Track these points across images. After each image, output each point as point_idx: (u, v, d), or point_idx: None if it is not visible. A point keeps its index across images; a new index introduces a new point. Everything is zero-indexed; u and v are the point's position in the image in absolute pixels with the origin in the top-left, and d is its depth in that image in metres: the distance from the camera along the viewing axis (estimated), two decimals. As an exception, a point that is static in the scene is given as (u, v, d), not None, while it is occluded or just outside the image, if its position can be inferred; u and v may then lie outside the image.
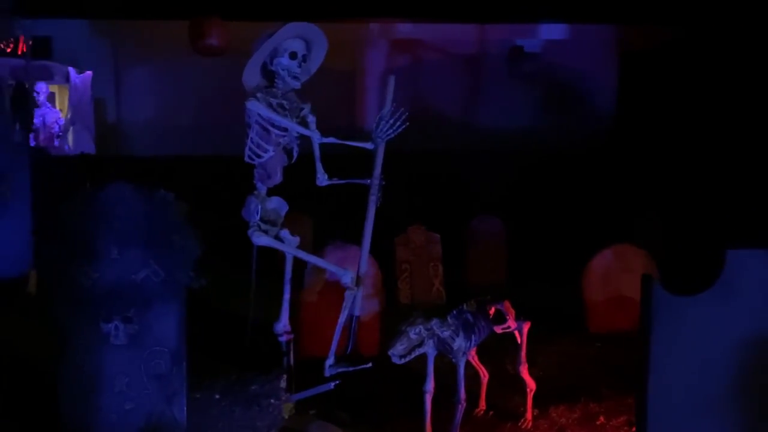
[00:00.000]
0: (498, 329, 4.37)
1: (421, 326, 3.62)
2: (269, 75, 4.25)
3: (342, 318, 4.33)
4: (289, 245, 4.44)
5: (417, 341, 3.60)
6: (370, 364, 4.21)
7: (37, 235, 5.17)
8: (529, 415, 4.43)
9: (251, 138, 4.24)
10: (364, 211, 10.03)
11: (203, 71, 12.26)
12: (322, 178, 4.51)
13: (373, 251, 8.12)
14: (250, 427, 3.82)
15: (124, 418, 3.73)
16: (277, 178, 4.35)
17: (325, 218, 9.52)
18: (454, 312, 3.96)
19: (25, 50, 12.14)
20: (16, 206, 9.44)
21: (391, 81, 4.44)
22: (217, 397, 3.89)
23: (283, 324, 4.46)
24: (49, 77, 13.03)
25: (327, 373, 4.22)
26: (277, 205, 4.42)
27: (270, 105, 4.14)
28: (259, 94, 4.15)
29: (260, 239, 4.15)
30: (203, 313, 4.97)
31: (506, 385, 4.94)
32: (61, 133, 12.30)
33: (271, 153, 4.24)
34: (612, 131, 11.65)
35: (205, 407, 3.85)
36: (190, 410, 3.80)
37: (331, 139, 4.29)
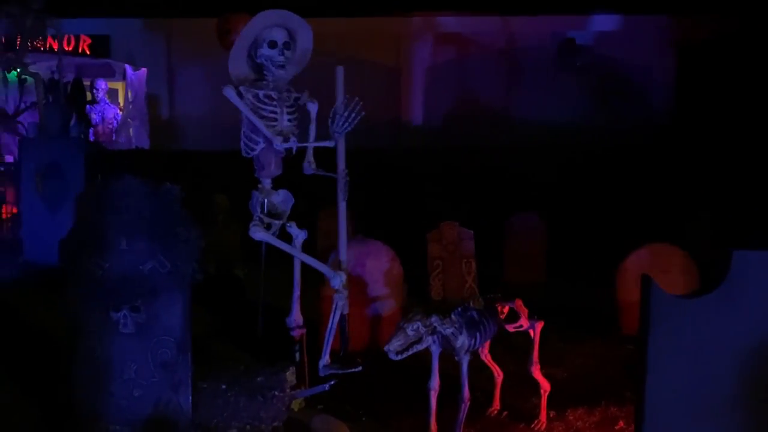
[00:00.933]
0: (510, 328, 4.27)
1: (419, 323, 3.56)
2: (258, 67, 4.29)
3: (333, 319, 4.31)
4: (296, 239, 4.47)
5: (414, 338, 3.55)
6: (360, 368, 4.19)
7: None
8: (543, 417, 4.31)
9: (243, 131, 4.29)
10: (404, 204, 10.04)
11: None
12: (308, 167, 4.49)
13: (405, 246, 8.17)
14: (254, 418, 3.86)
15: (133, 404, 3.84)
16: (272, 169, 4.37)
17: (365, 210, 9.56)
18: (459, 309, 3.88)
19: (85, 48, 12.70)
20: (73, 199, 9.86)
21: (340, 73, 4.38)
22: (224, 387, 3.95)
23: (294, 318, 4.50)
24: (110, 74, 13.57)
25: (321, 373, 4.24)
26: (284, 198, 4.46)
27: (256, 96, 4.18)
28: (241, 87, 4.19)
29: (257, 234, 4.18)
30: (224, 304, 5.06)
31: (525, 384, 4.83)
32: (118, 129, 12.78)
33: (262, 145, 4.26)
34: (663, 126, 11.20)
35: (211, 397, 3.92)
36: (196, 399, 3.88)
37: (293, 143, 4.28)
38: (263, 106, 4.19)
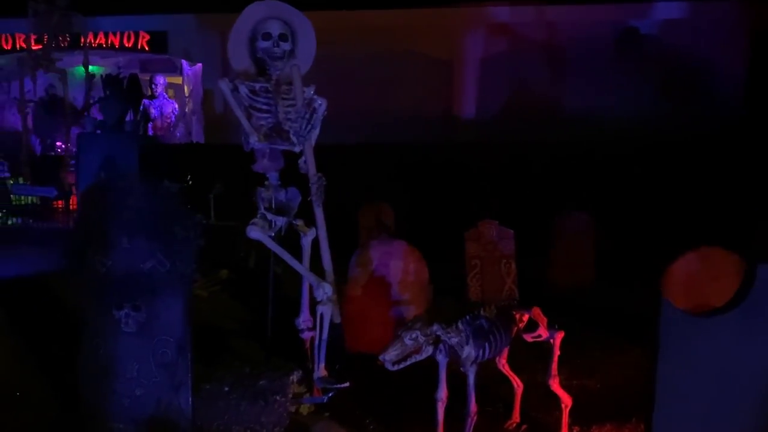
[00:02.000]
0: (528, 338, 4.01)
1: (417, 332, 3.35)
2: (261, 61, 4.19)
3: (321, 334, 4.13)
4: (304, 237, 4.35)
5: (413, 347, 3.35)
6: (348, 384, 4.02)
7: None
8: (563, 432, 4.04)
9: (243, 124, 4.20)
10: (449, 200, 9.78)
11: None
12: (303, 165, 4.32)
13: (447, 244, 7.95)
14: (255, 423, 3.77)
15: (135, 403, 3.83)
16: (266, 162, 4.24)
17: (406, 208, 9.39)
18: (468, 317, 3.66)
19: (144, 44, 13.03)
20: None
21: (296, 71, 4.12)
22: (227, 389, 3.88)
23: (303, 319, 4.38)
24: (172, 70, 13.90)
25: (316, 385, 4.11)
26: (291, 195, 4.34)
27: (252, 89, 4.08)
28: (236, 80, 4.10)
29: (253, 233, 4.07)
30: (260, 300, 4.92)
31: (551, 397, 4.55)
32: (175, 123, 13.06)
33: (256, 138, 4.15)
34: (732, 121, 10.46)
35: (213, 399, 3.85)
36: (198, 401, 3.82)
37: (264, 145, 4.13)
38: (258, 99, 4.10)
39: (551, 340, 3.98)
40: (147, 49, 13.17)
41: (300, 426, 3.89)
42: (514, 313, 3.97)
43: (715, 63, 11.23)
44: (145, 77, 13.74)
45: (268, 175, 4.31)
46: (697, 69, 11.21)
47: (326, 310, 4.11)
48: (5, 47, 13.56)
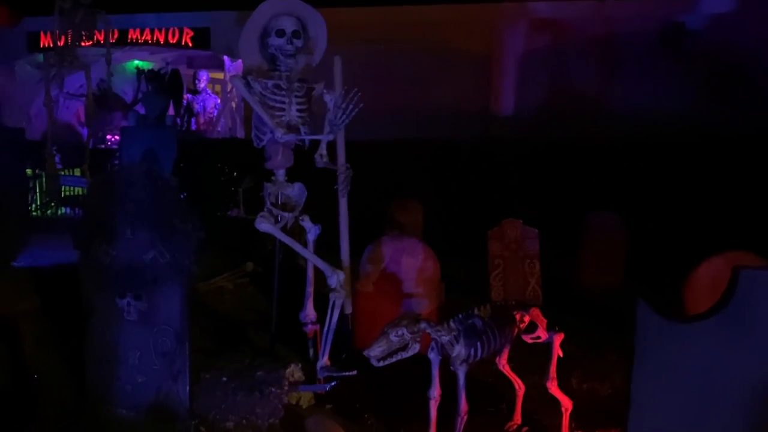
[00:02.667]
0: (528, 339, 3.94)
1: (404, 329, 3.33)
2: (272, 57, 4.21)
3: (330, 320, 4.15)
4: (308, 233, 4.38)
5: (398, 344, 3.32)
6: (355, 372, 4.01)
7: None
8: (562, 437, 3.96)
9: (253, 121, 4.24)
10: (476, 198, 9.66)
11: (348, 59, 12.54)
12: (319, 160, 4.35)
13: (470, 242, 7.86)
14: (250, 413, 3.83)
15: (137, 389, 3.95)
16: (279, 160, 4.28)
17: (438, 205, 9.35)
18: (460, 316, 3.62)
19: (188, 41, 13.33)
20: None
21: (338, 63, 4.14)
22: (225, 379, 3.94)
23: (306, 313, 4.42)
24: (215, 65, 14.18)
25: (318, 375, 4.12)
26: (298, 191, 4.37)
27: (265, 86, 4.11)
28: (249, 77, 4.13)
29: (262, 226, 4.11)
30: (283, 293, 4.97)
31: (554, 399, 4.47)
32: (217, 118, 13.32)
33: (269, 135, 4.19)
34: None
35: (211, 388, 3.92)
36: (197, 390, 3.91)
37: (291, 137, 4.14)
38: (271, 96, 4.13)
39: (550, 343, 3.90)
40: (190, 45, 13.48)
41: (293, 418, 3.93)
42: (515, 313, 3.91)
43: (763, 59, 10.74)
44: (189, 72, 14.07)
45: (275, 172, 4.36)
46: (744, 66, 10.74)
47: (339, 298, 4.13)
48: (58, 43, 14.09)
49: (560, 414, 4.06)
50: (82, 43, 14.72)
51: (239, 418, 3.83)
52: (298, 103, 4.17)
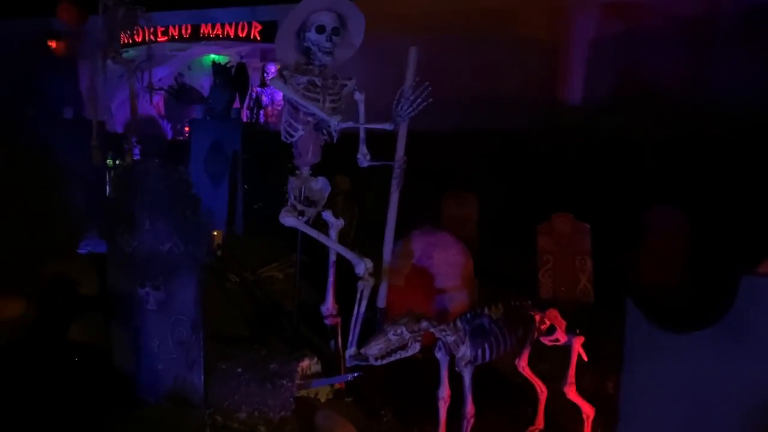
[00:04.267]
0: (546, 341, 3.76)
1: (403, 327, 3.23)
2: (307, 51, 4.14)
3: (359, 309, 4.10)
4: (332, 227, 4.35)
5: (397, 343, 3.23)
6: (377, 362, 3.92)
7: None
8: (584, 445, 3.76)
9: (284, 117, 4.21)
10: (529, 189, 9.36)
11: (405, 50, 12.42)
12: (363, 159, 4.28)
13: (519, 237, 7.61)
14: (262, 405, 3.85)
15: (157, 376, 4.06)
16: (309, 157, 4.25)
17: (494, 196, 9.13)
18: (468, 315, 3.48)
19: (256, 34, 13.59)
20: (231, 176, 10.72)
21: (413, 53, 4.00)
22: (240, 370, 3.98)
23: (328, 306, 4.40)
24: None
25: (348, 363, 4.07)
26: (322, 185, 4.34)
27: (299, 83, 4.05)
28: (285, 72, 4.07)
29: (287, 220, 4.10)
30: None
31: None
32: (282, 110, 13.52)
33: (301, 132, 4.16)
34: None
35: (227, 378, 3.97)
36: (212, 379, 3.97)
37: (350, 124, 4.06)
38: (306, 93, 4.06)
39: (569, 346, 3.70)
40: (259, 38, 13.73)
41: (307, 411, 3.92)
42: (534, 314, 3.73)
43: None
44: (258, 65, 14.34)
45: (300, 167, 4.34)
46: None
47: (367, 286, 4.09)
48: (136, 39, 14.71)
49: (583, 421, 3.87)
50: (159, 39, 15.36)
51: (251, 410, 3.85)
52: (332, 101, 4.12)
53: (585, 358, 3.79)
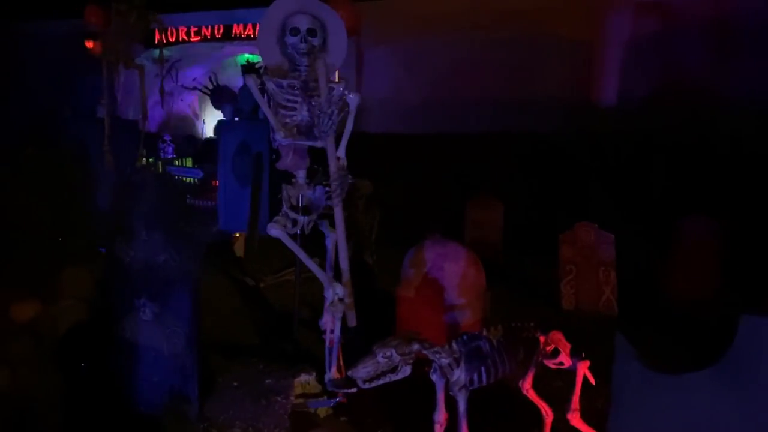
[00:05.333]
0: (550, 364, 3.58)
1: (392, 349, 3.09)
2: (291, 56, 4.06)
3: (333, 335, 3.95)
4: (328, 238, 4.23)
5: (386, 366, 3.09)
6: (355, 389, 3.78)
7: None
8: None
9: (270, 121, 4.12)
10: (559, 194, 9.08)
11: (436, 50, 12.26)
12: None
13: (538, 244, 7.36)
14: (255, 421, 3.76)
15: (153, 388, 3.99)
16: (288, 162, 4.12)
17: (516, 203, 8.90)
18: (464, 337, 3.32)
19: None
20: (257, 177, 10.71)
21: (321, 65, 3.83)
22: (235, 384, 3.90)
23: (325, 320, 4.28)
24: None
25: (329, 388, 3.96)
26: (319, 195, 4.22)
27: (279, 85, 3.97)
28: (265, 77, 4.00)
29: (273, 231, 3.99)
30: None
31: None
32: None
33: (282, 134, 4.05)
34: None
35: (222, 393, 3.90)
36: (207, 393, 3.90)
37: (288, 141, 3.95)
38: (284, 96, 3.99)
39: (573, 370, 3.52)
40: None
41: (303, 428, 3.81)
42: (537, 335, 3.55)
43: None
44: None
45: (295, 174, 4.24)
46: None
47: (337, 312, 3.97)
48: (170, 39, 14.89)
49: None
50: (193, 39, 15.49)
51: (245, 425, 3.77)
52: (312, 104, 4.01)
53: (592, 382, 3.60)
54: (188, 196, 13.03)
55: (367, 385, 3.11)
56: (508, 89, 11.51)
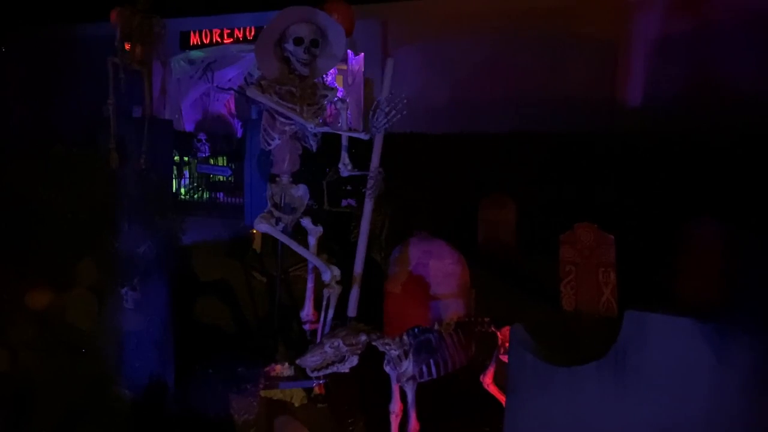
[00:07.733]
0: (506, 359, 3.63)
1: (340, 340, 3.20)
2: (287, 61, 4.17)
3: (326, 317, 4.08)
4: (311, 234, 4.38)
5: (334, 356, 3.20)
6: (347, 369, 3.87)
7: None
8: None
9: (262, 125, 4.26)
10: (568, 196, 9.01)
11: (461, 50, 12.28)
12: (343, 169, 4.27)
13: (536, 246, 7.33)
14: (226, 406, 3.94)
15: (136, 372, 4.21)
16: (285, 165, 4.28)
17: (528, 202, 8.86)
18: (415, 330, 3.41)
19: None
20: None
21: (390, 64, 3.94)
22: (210, 371, 4.08)
23: (306, 312, 4.43)
24: (345, 59, 14.52)
25: (309, 372, 4.07)
26: (302, 193, 4.37)
27: (277, 92, 4.08)
28: (263, 81, 4.12)
29: (260, 226, 4.15)
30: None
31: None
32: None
33: (277, 141, 4.19)
34: None
35: (198, 379, 4.09)
36: (184, 379, 4.10)
37: (326, 129, 4.06)
38: (284, 102, 4.10)
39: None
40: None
41: (265, 416, 3.96)
42: (494, 331, 3.62)
43: None
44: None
45: (280, 175, 4.39)
46: None
47: (333, 294, 4.09)
48: (204, 41, 15.32)
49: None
50: (225, 41, 15.86)
51: (217, 410, 3.94)
52: (310, 110, 4.14)
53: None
54: (221, 194, 13.41)
55: (315, 374, 3.24)
56: (533, 89, 11.46)
